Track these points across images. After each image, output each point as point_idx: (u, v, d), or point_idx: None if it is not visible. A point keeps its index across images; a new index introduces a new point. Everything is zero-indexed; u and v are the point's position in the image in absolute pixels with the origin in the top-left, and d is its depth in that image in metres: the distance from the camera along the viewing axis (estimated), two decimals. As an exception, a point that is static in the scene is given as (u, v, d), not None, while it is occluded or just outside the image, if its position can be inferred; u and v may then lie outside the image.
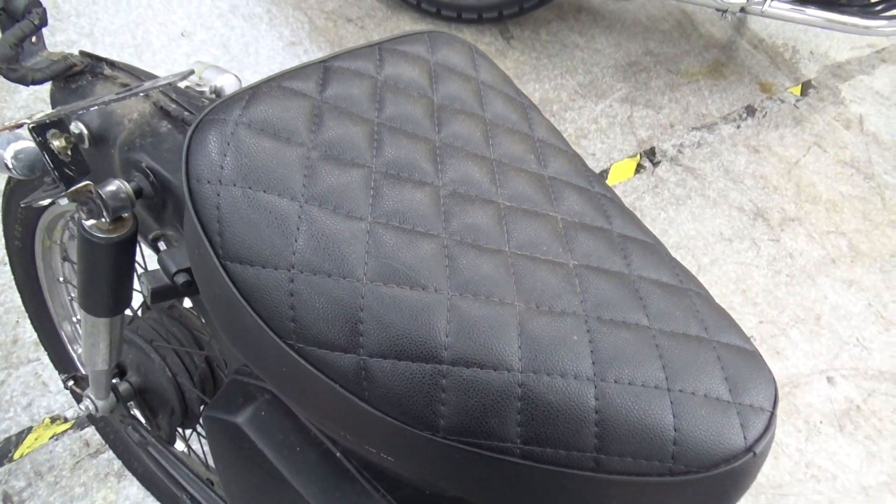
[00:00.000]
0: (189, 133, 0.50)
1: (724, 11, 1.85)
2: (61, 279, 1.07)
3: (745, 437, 0.46)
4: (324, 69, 0.56)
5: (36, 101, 1.76)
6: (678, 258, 1.72)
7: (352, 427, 0.48)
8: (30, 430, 1.27)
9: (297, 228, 0.47)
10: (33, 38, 0.71)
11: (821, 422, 1.47)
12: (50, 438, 1.26)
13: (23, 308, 1.14)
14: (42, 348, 1.21)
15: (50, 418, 1.28)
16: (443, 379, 0.44)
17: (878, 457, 1.43)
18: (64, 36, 1.90)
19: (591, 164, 1.87)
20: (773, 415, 0.48)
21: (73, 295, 1.10)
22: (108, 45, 1.89)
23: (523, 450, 0.44)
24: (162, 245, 0.66)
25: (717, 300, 0.54)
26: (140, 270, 0.82)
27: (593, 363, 0.46)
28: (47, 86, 0.74)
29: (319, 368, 0.46)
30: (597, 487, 0.45)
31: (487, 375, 0.44)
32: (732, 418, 0.47)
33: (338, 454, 0.63)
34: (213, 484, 0.95)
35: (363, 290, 0.45)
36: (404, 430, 0.45)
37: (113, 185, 0.61)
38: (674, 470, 0.45)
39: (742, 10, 1.82)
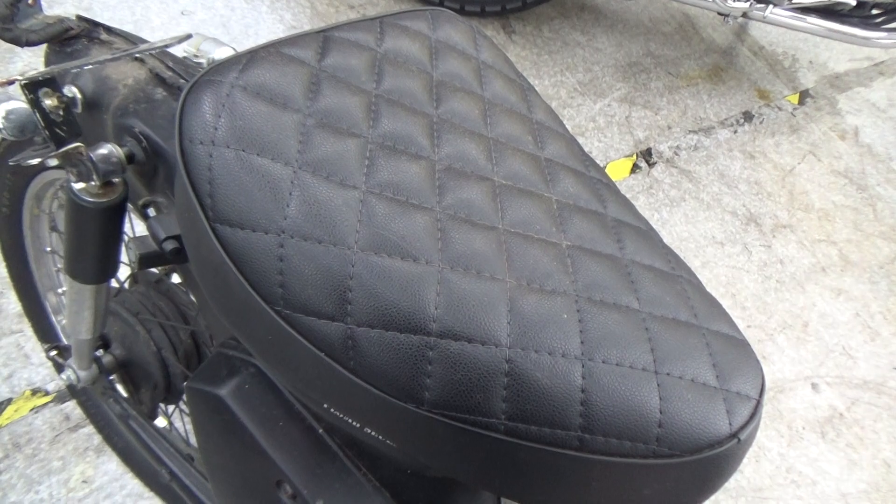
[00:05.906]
0: (184, 93, 0.49)
1: (727, 16, 1.86)
2: (48, 249, 1.05)
3: (730, 424, 0.46)
4: (323, 38, 0.56)
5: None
6: (669, 259, 1.72)
7: (336, 398, 0.48)
8: (9, 401, 1.25)
9: (290, 193, 0.46)
10: (30, 0, 0.70)
11: (803, 427, 1.47)
12: (30, 411, 1.25)
13: (7, 279, 1.13)
14: (26, 320, 1.20)
15: (31, 391, 1.27)
16: (430, 351, 0.44)
17: (859, 465, 1.43)
18: (61, 10, 1.88)
19: (586, 162, 1.87)
20: (759, 403, 0.48)
21: (59, 266, 1.09)
22: (105, 20, 1.88)
23: (507, 426, 0.44)
24: (151, 212, 0.65)
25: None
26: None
27: (582, 342, 0.45)
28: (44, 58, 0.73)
29: (306, 336, 0.45)
30: (580, 467, 0.45)
31: (475, 350, 0.44)
32: (718, 404, 0.46)
33: (320, 431, 0.62)
34: (192, 459, 0.94)
35: (354, 258, 0.45)
36: (389, 401, 0.45)
37: (104, 149, 0.60)
38: (658, 452, 0.44)
39: (744, 15, 1.82)
